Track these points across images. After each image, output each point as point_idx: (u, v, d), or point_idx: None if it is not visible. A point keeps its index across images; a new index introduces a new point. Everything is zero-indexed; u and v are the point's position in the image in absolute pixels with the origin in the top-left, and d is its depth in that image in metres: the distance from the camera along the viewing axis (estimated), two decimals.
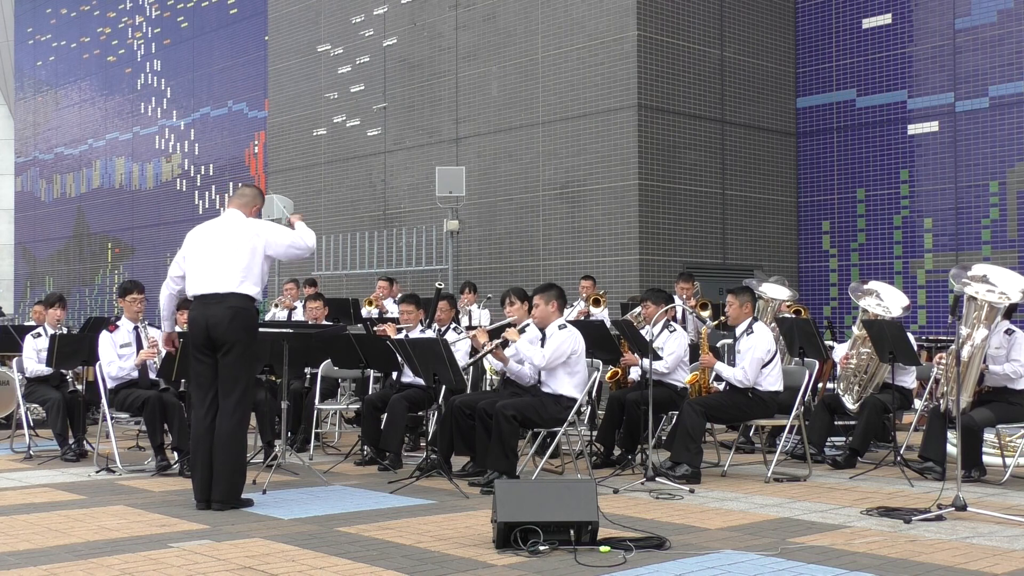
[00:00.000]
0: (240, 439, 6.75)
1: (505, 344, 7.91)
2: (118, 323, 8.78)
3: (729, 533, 5.93)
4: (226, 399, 6.71)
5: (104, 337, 8.62)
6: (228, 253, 6.80)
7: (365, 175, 17.94)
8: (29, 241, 29.43)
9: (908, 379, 8.82)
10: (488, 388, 9.93)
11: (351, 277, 17.32)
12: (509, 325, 8.57)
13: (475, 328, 9.64)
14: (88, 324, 13.09)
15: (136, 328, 8.72)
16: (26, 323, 13.80)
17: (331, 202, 18.57)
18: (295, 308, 11.45)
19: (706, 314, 10.75)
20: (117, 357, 8.55)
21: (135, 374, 8.57)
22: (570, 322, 8.41)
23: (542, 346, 7.78)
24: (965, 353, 7.31)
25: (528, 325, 8.17)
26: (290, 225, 7.23)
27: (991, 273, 7.41)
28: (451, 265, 15.37)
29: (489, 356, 8.35)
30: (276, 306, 12.28)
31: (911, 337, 8.60)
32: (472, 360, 8.59)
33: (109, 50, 26.28)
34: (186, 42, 23.79)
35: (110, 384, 8.52)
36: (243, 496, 6.78)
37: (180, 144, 23.83)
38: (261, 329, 8.26)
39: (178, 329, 9.20)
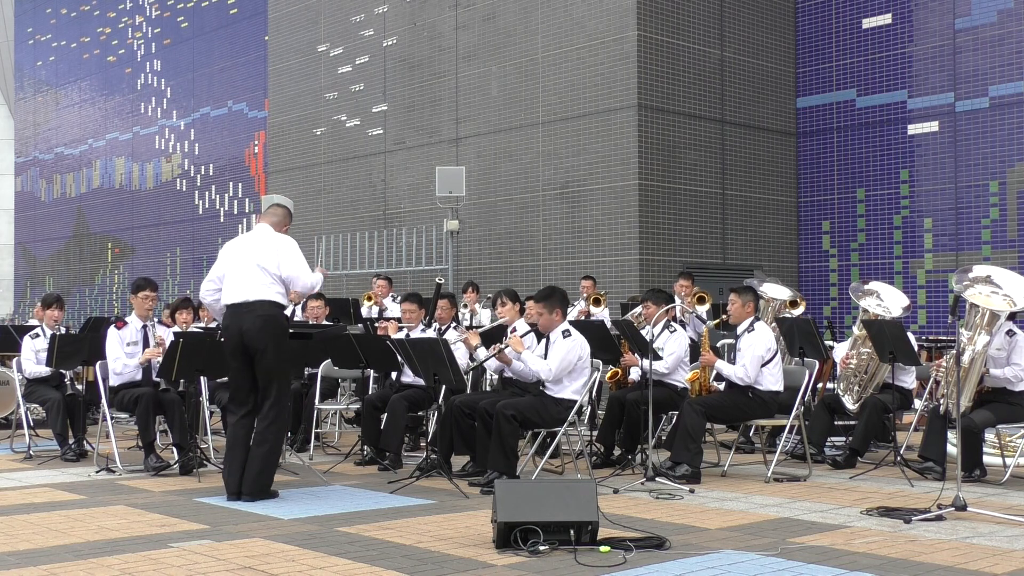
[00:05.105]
0: (272, 436, 7.07)
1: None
2: (127, 320, 8.73)
3: (729, 533, 5.93)
4: (264, 401, 7.12)
5: (112, 333, 8.59)
6: (258, 264, 7.16)
7: (365, 175, 17.94)
8: (29, 241, 29.43)
9: (908, 379, 8.81)
10: (488, 388, 9.92)
11: (351, 277, 17.31)
12: (501, 327, 8.55)
13: (475, 327, 9.63)
14: (88, 324, 13.07)
15: (145, 327, 8.68)
16: (28, 322, 13.75)
17: (331, 202, 18.57)
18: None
19: (702, 308, 10.70)
20: (124, 355, 8.53)
21: (139, 375, 8.54)
22: (570, 322, 8.40)
23: (546, 351, 7.77)
24: (966, 358, 7.29)
25: (525, 331, 8.14)
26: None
27: (995, 274, 7.35)
28: (451, 265, 15.37)
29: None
30: None
31: (911, 337, 8.59)
32: (475, 365, 8.57)
33: (109, 50, 26.28)
34: (186, 42, 23.79)
35: (113, 381, 8.51)
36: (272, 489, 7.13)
37: (180, 144, 23.83)
38: None
39: (176, 329, 9.23)
